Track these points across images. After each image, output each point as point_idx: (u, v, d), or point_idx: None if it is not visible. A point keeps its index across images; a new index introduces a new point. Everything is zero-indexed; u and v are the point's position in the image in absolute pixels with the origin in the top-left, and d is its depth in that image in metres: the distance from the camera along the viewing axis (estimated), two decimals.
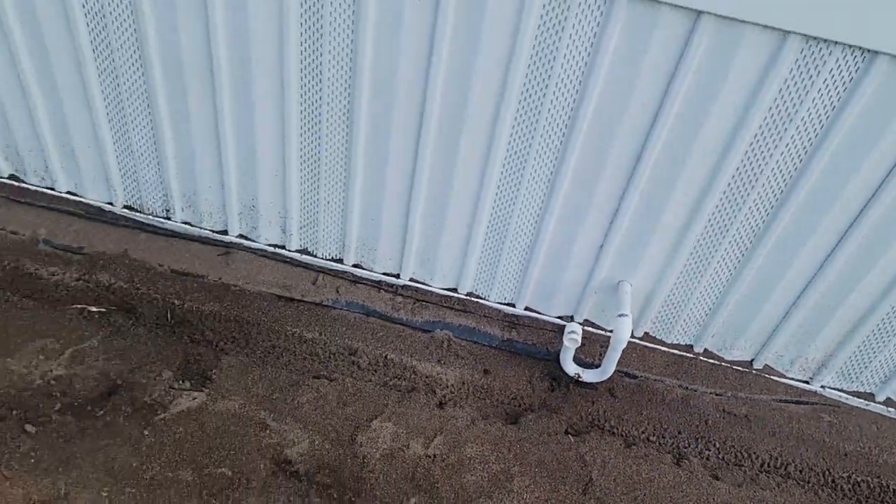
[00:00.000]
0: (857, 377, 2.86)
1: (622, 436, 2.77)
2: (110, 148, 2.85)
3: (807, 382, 2.92)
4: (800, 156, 2.26)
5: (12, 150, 2.96)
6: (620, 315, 2.64)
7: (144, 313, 2.86)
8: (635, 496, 2.53)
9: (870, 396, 2.90)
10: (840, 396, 2.92)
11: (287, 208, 2.87)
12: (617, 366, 2.77)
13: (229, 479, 2.36)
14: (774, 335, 2.79)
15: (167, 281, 2.93)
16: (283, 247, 3.04)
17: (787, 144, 2.23)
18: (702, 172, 2.37)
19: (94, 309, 2.83)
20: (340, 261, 3.02)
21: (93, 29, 2.48)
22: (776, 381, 2.91)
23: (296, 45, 2.36)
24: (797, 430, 2.80)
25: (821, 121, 2.16)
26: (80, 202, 3.07)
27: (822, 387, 2.92)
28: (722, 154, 2.30)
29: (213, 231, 3.04)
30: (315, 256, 3.04)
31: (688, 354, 2.95)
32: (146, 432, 2.44)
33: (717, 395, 2.90)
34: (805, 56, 2.04)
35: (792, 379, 2.92)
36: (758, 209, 2.42)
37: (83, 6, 2.43)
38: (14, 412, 2.42)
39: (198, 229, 3.05)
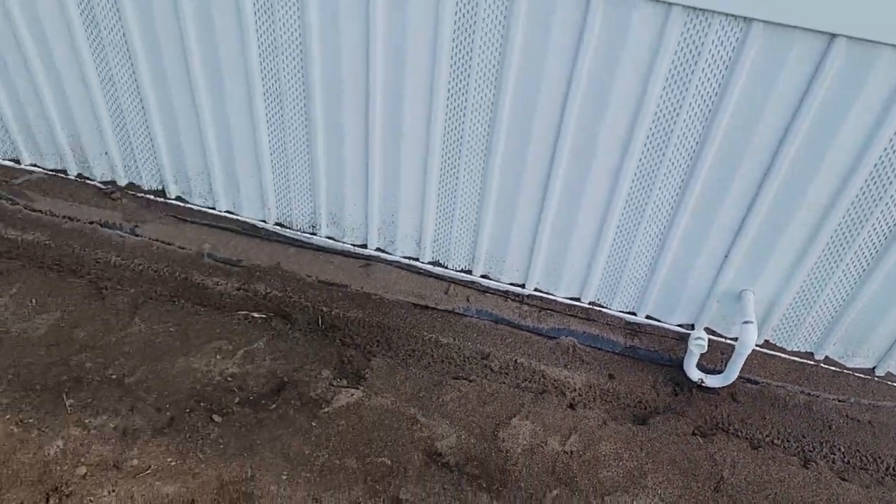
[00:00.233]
0: None
1: (747, 438, 2.89)
2: (269, 173, 3.20)
3: None
4: None
5: (182, 174, 3.37)
6: (746, 322, 2.78)
7: (298, 319, 3.18)
8: (766, 494, 2.65)
9: None
10: None
11: (423, 224, 3.15)
12: (738, 372, 2.89)
13: (389, 467, 2.63)
14: None
15: (315, 290, 3.26)
16: (416, 259, 3.32)
17: None
18: (829, 189, 2.50)
19: (256, 315, 3.18)
20: (469, 272, 3.27)
21: (264, 59, 2.81)
22: None
23: (445, 78, 2.64)
24: None
25: None
26: (237, 220, 3.44)
27: None
28: (851, 169, 2.43)
29: (354, 245, 3.35)
30: (446, 268, 3.30)
31: (809, 361, 3.04)
32: (314, 424, 2.74)
33: (839, 401, 2.98)
34: None
35: None
36: (885, 220, 2.53)
37: (258, 42, 2.77)
38: (201, 404, 2.77)
39: (340, 244, 3.37)
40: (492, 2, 2.40)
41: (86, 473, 2.51)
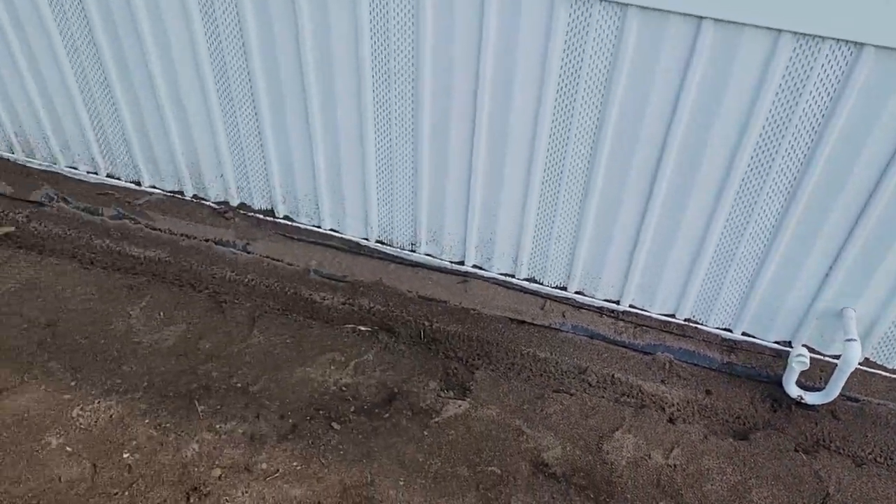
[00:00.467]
0: None
1: (850, 456, 2.91)
2: (374, 194, 3.39)
3: None
4: None
5: (291, 195, 3.59)
6: (849, 339, 2.81)
7: (402, 332, 3.35)
8: None
9: None
10: None
11: (521, 243, 3.28)
12: (840, 389, 2.92)
13: (499, 476, 2.76)
14: None
15: (416, 305, 3.42)
16: (512, 275, 3.45)
17: None
18: None
19: (362, 328, 3.37)
20: (564, 288, 3.38)
21: (377, 90, 3.00)
22: None
23: (550, 108, 2.76)
24: None
25: None
26: (341, 238, 3.64)
27: None
28: None
29: (451, 262, 3.51)
30: (541, 284, 3.42)
31: None
32: (425, 433, 2.89)
33: None
34: None
35: None
36: None
37: (372, 73, 2.96)
38: (320, 412, 2.96)
39: (438, 260, 3.53)
40: (599, 45, 2.52)
41: (221, 475, 2.72)
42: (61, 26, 3.32)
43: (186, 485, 2.69)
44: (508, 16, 2.59)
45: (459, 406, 3.01)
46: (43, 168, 3.99)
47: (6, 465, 2.70)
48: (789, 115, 2.49)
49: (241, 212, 3.75)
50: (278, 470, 2.74)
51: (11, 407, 2.91)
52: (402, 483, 2.72)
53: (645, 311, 3.30)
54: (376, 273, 3.55)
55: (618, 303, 3.33)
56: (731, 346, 3.22)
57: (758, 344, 3.19)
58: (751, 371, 3.17)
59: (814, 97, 2.43)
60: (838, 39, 2.30)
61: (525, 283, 3.44)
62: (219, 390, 3.03)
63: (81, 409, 2.92)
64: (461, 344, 3.30)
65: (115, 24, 3.19)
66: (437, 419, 2.95)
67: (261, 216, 3.72)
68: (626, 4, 2.42)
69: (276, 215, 3.70)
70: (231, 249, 3.67)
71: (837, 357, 3.00)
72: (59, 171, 3.97)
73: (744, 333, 3.20)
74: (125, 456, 2.76)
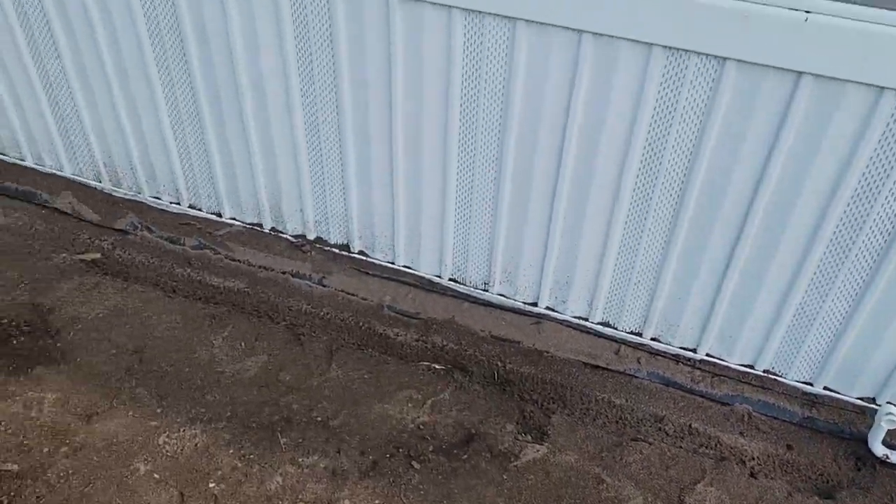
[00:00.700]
0: None
1: None
2: (450, 235, 3.45)
3: None
4: None
5: (368, 231, 3.68)
6: None
7: (475, 372, 3.38)
8: None
9: None
10: None
11: (597, 286, 3.30)
12: None
13: None
14: None
15: (489, 345, 3.45)
16: (586, 319, 3.46)
17: None
18: None
19: (437, 366, 3.40)
20: (639, 334, 3.38)
21: (463, 137, 3.08)
22: None
23: (637, 158, 2.80)
24: None
25: None
26: (414, 274, 3.70)
27: None
28: None
29: (524, 303, 3.54)
30: (615, 328, 3.43)
31: None
32: (504, 476, 2.90)
33: None
34: None
35: None
36: None
37: (459, 120, 3.04)
38: (400, 450, 2.99)
39: (510, 300, 3.56)
40: (693, 101, 2.56)
41: None
42: (163, 77, 3.48)
43: None
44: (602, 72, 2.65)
45: (538, 450, 3.01)
46: (128, 197, 4.15)
47: (98, 489, 2.78)
48: (881, 181, 2.49)
49: (318, 245, 3.84)
50: None
51: (101, 431, 3.00)
52: None
53: (723, 360, 3.28)
54: (449, 311, 3.59)
55: (695, 351, 3.31)
56: (812, 400, 3.17)
57: (840, 399, 3.14)
58: (833, 427, 3.11)
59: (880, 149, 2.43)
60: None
61: (598, 328, 3.44)
62: (300, 423, 3.09)
63: (168, 436, 3.00)
64: (535, 386, 3.31)
65: (217, 88, 3.38)
66: (515, 463, 2.96)
67: (336, 250, 3.81)
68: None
69: (352, 250, 3.78)
70: (307, 282, 3.75)
71: None
72: (143, 201, 4.12)
73: (825, 388, 3.15)
74: (211, 485, 2.82)
